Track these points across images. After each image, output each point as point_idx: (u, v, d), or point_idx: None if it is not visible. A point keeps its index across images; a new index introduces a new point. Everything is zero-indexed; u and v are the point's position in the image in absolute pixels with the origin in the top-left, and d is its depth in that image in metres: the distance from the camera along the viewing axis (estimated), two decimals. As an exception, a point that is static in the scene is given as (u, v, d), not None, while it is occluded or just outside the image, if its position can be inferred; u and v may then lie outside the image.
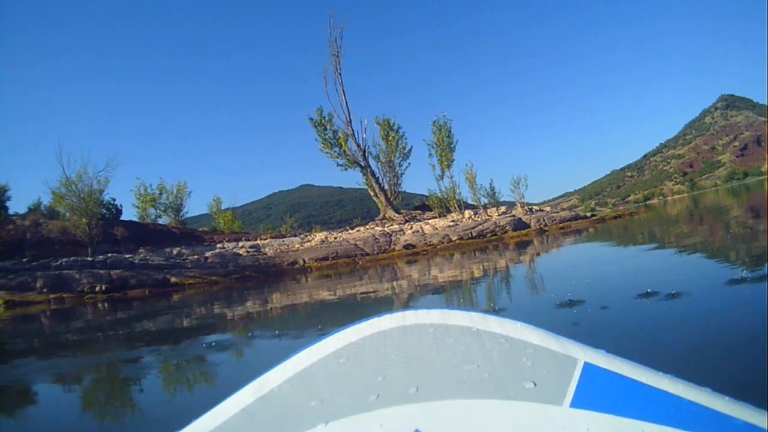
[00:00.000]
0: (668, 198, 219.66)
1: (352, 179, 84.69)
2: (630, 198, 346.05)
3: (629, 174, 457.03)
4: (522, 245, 20.11)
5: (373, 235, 29.04)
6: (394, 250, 27.42)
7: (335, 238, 29.70)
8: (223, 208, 37.48)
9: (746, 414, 0.70)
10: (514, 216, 32.67)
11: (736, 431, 0.68)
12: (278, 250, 27.16)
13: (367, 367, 0.93)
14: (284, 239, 29.97)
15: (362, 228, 32.92)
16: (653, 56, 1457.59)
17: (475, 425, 0.78)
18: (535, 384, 0.82)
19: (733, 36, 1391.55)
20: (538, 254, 14.89)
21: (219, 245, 28.10)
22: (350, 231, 31.98)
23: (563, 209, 40.21)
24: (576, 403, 0.77)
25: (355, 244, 27.52)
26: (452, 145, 38.23)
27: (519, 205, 36.40)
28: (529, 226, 31.31)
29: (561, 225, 31.37)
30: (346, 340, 0.99)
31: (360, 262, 24.66)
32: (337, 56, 38.66)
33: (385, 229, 31.16)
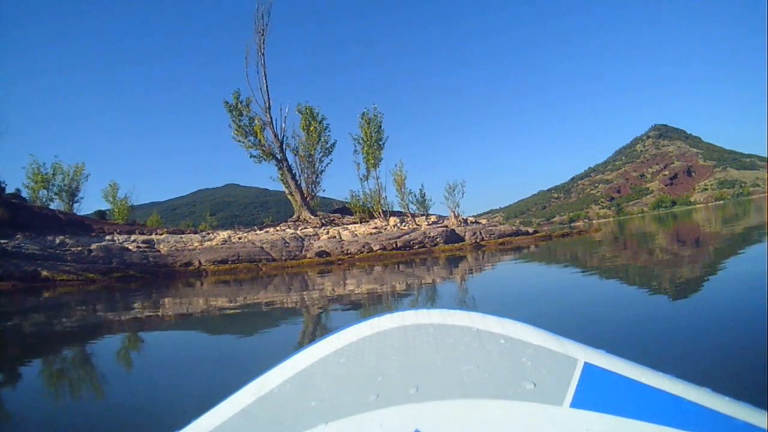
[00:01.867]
0: (594, 221, 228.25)
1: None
2: (555, 219, 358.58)
3: (556, 195, 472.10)
4: (454, 261, 18.73)
5: (284, 239, 27.20)
6: (305, 257, 25.84)
7: (239, 238, 27.67)
8: (143, 201, 34.12)
9: (746, 414, 0.73)
10: (446, 227, 30.93)
11: (736, 431, 0.72)
12: (173, 248, 25.10)
13: (367, 367, 0.96)
14: (182, 236, 27.73)
15: (272, 229, 30.42)
16: (587, 83, 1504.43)
17: (475, 425, 0.82)
18: (535, 384, 0.86)
19: (670, 67, 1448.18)
20: (472, 272, 13.72)
21: (108, 237, 25.98)
22: (258, 232, 29.65)
23: (501, 224, 37.83)
24: (576, 403, 0.81)
25: (261, 247, 25.81)
26: (381, 142, 36.44)
27: (453, 214, 34.55)
28: (463, 240, 29.67)
29: (501, 240, 29.68)
30: (346, 340, 1.00)
31: (264, 269, 23.20)
32: (263, 34, 36.29)
33: (298, 232, 29.25)
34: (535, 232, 35.41)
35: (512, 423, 0.80)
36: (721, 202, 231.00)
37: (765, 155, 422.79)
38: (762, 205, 49.59)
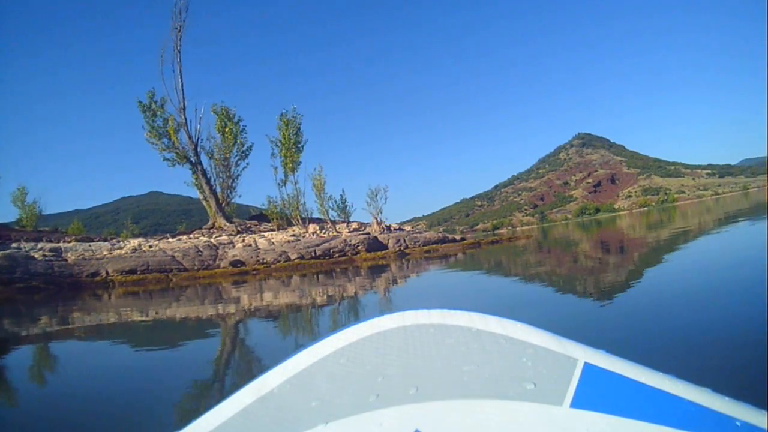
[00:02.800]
0: (517, 228, 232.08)
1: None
2: (479, 226, 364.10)
3: (479, 203, 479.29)
4: (377, 270, 18.25)
5: (197, 247, 26.23)
6: (218, 266, 25.01)
7: (150, 246, 26.42)
8: (67, 208, 32.62)
9: (746, 414, 0.75)
10: (368, 234, 30.30)
11: (736, 431, 0.73)
12: (80, 257, 23.70)
13: (367, 368, 0.97)
14: (91, 244, 26.28)
15: (185, 237, 29.09)
16: (509, 92, 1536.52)
17: (475, 425, 0.84)
18: (535, 384, 0.87)
19: (593, 76, 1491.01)
20: (396, 282, 13.08)
21: (14, 244, 24.27)
22: (170, 240, 28.42)
23: (426, 230, 37.39)
24: (576, 404, 0.83)
25: (173, 256, 24.84)
26: (300, 145, 35.80)
27: (375, 221, 34.04)
28: (386, 247, 29.00)
29: (426, 248, 29.03)
30: (346, 340, 1.02)
31: (174, 280, 22.35)
32: (180, 31, 34.92)
33: (212, 240, 28.20)
34: (463, 239, 35.04)
35: (512, 423, 0.81)
36: (646, 208, 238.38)
37: (689, 163, 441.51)
38: (687, 211, 50.78)
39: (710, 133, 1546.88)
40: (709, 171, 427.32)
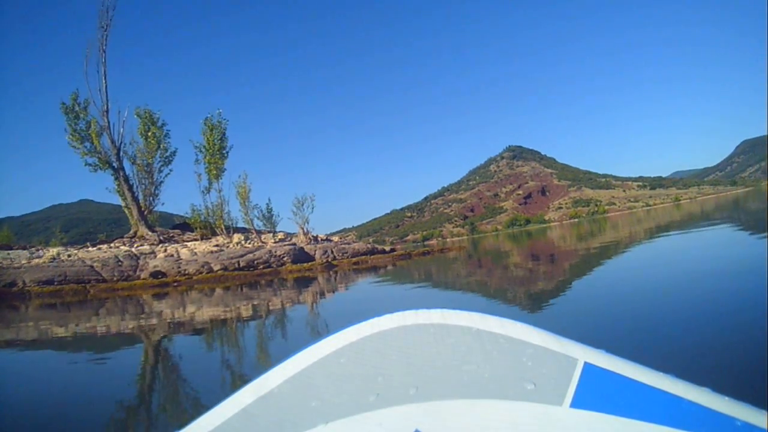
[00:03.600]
0: (448, 239, 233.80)
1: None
2: (409, 237, 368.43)
3: (409, 214, 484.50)
4: (304, 283, 17.66)
5: (117, 256, 25.36)
6: (139, 277, 24.27)
7: (69, 255, 25.59)
8: None
9: (746, 414, 0.76)
10: (294, 245, 29.66)
11: (736, 431, 0.74)
12: None
13: (367, 367, 0.98)
14: (9, 252, 25.51)
15: (105, 246, 28.38)
16: (438, 105, 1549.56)
17: (475, 425, 0.85)
18: (535, 384, 0.89)
19: (524, 90, 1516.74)
20: (323, 295, 12.66)
21: None
22: (90, 249, 27.54)
23: (354, 241, 37.23)
24: (576, 403, 0.84)
25: (92, 266, 24.03)
26: (225, 151, 34.88)
27: (302, 231, 33.42)
28: (313, 259, 28.45)
29: (355, 259, 28.53)
30: (346, 340, 1.02)
31: (92, 291, 21.63)
32: (106, 30, 33.82)
33: (133, 249, 27.31)
34: (393, 250, 34.73)
35: (512, 423, 0.83)
36: (576, 220, 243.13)
37: (620, 176, 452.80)
38: (617, 222, 51.91)
39: (642, 146, 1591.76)
40: (640, 183, 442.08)
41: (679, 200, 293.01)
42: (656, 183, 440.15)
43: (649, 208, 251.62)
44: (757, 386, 2.72)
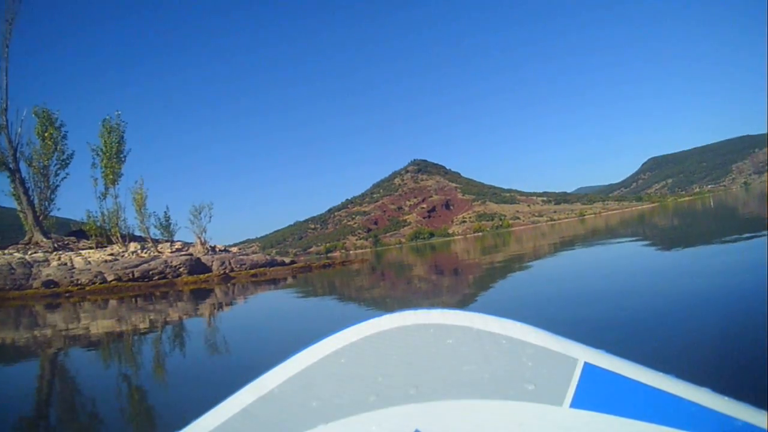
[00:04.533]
0: (351, 251, 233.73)
1: None
2: (312, 249, 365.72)
3: (312, 226, 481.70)
4: (200, 296, 17.41)
5: (10, 264, 24.20)
6: (31, 286, 23.40)
7: None
8: None
9: (746, 414, 0.77)
10: (191, 255, 29.12)
11: (736, 431, 0.75)
12: None
13: (367, 367, 0.98)
14: None
15: None
16: (343, 118, 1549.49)
17: (475, 425, 0.86)
18: (535, 384, 0.89)
19: (429, 105, 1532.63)
20: (221, 308, 12.56)
21: None
22: None
23: (255, 252, 36.88)
24: (576, 404, 0.85)
25: None
26: (122, 155, 34.02)
27: (199, 241, 32.67)
28: (210, 270, 27.90)
29: (253, 271, 27.97)
30: (346, 340, 1.02)
31: None
32: (11, 23, 32.78)
33: (27, 257, 26.02)
34: (293, 262, 34.30)
35: (512, 423, 0.84)
36: (480, 233, 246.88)
37: (525, 191, 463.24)
38: (522, 236, 53.16)
39: (547, 162, 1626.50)
40: (545, 198, 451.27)
41: (584, 215, 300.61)
42: (561, 198, 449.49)
43: (554, 222, 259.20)
44: (758, 386, 2.78)
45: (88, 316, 13.06)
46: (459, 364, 0.94)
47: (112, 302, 16.59)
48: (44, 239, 30.77)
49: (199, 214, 32.86)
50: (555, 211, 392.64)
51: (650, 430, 0.77)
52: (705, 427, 0.76)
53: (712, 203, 56.44)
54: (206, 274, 26.83)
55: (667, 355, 3.67)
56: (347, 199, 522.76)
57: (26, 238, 31.60)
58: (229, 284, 22.10)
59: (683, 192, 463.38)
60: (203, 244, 32.50)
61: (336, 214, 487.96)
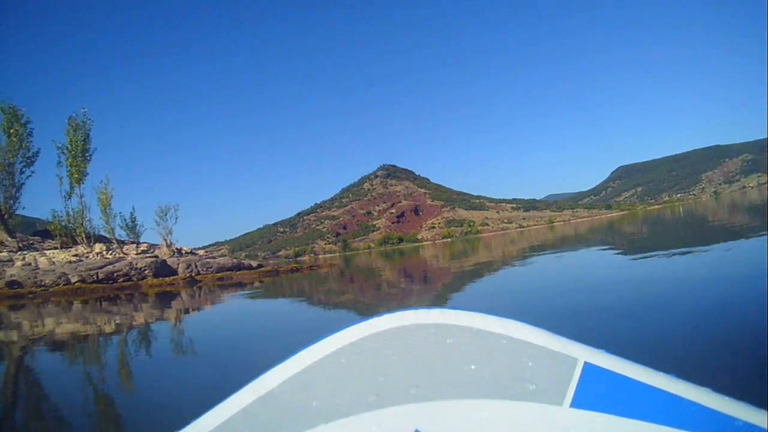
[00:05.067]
0: (320, 255, 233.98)
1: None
2: (281, 252, 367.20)
3: (281, 230, 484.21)
4: (165, 299, 17.29)
5: None
6: None
7: None
8: None
9: (746, 414, 0.77)
10: (156, 257, 28.76)
11: (736, 431, 0.75)
12: None
13: (366, 367, 0.98)
14: None
15: None
16: (314, 123, 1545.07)
17: (475, 425, 0.86)
18: (535, 384, 0.89)
19: (399, 110, 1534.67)
20: (187, 312, 12.23)
21: None
22: None
23: (223, 255, 36.66)
24: (576, 403, 0.85)
25: None
26: (88, 154, 33.69)
27: (165, 243, 32.63)
28: (176, 273, 27.66)
29: (220, 275, 27.88)
30: (346, 340, 1.02)
31: None
32: None
33: None
34: (260, 266, 33.77)
35: (512, 423, 0.84)
36: (449, 239, 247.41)
37: (494, 197, 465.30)
38: (491, 242, 53.26)
39: (516, 169, 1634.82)
40: (514, 205, 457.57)
41: (553, 222, 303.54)
42: (530, 205, 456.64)
43: (522, 229, 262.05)
44: (758, 386, 2.80)
45: (52, 318, 12.89)
46: (459, 364, 0.95)
47: (76, 305, 16.44)
48: (9, 238, 30.42)
49: (165, 215, 32.91)
50: (524, 218, 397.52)
51: (650, 430, 0.78)
52: (705, 427, 0.77)
53: (681, 212, 57.25)
54: (172, 277, 26.56)
55: (667, 355, 3.72)
56: (316, 203, 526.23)
57: None
58: (194, 288, 21.98)
59: (652, 201, 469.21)
60: (169, 246, 32.45)
61: (305, 218, 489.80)
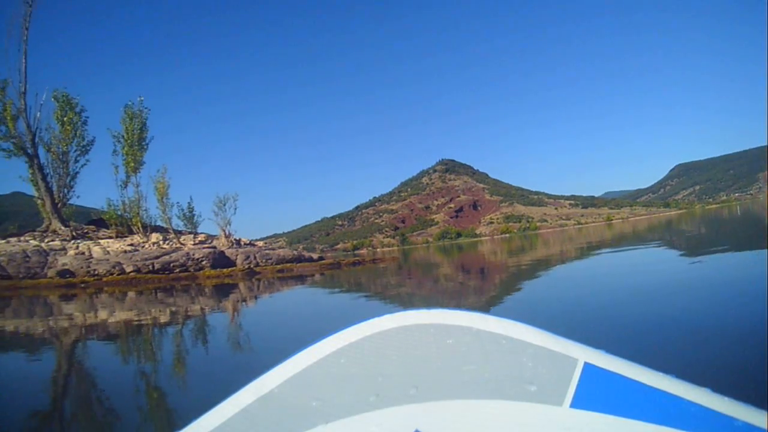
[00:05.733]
0: (378, 249, 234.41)
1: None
2: (339, 245, 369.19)
3: (340, 223, 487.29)
4: (221, 290, 16.71)
5: (25, 251, 23.56)
6: (46, 275, 22.86)
7: None
8: None
9: (746, 414, 0.77)
10: (214, 248, 28.25)
11: (736, 431, 0.75)
12: None
13: (367, 367, 0.99)
14: None
15: (14, 239, 26.58)
16: (372, 116, 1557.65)
17: (475, 425, 0.86)
18: (535, 384, 0.89)
19: (459, 104, 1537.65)
20: (239, 306, 11.36)
21: None
22: None
23: (282, 247, 35.86)
24: (576, 404, 0.85)
25: None
26: (145, 142, 33.24)
27: (223, 233, 32.12)
28: (234, 264, 27.18)
29: (279, 266, 27.12)
30: (346, 340, 1.02)
31: None
32: (30, 5, 32.04)
33: (43, 244, 25.63)
34: (321, 258, 34.03)
35: (512, 423, 0.84)
36: (507, 235, 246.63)
37: (552, 193, 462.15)
38: (549, 239, 52.55)
39: (575, 166, 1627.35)
40: (572, 202, 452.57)
41: (611, 219, 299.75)
42: (588, 202, 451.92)
43: (580, 226, 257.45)
44: (758, 386, 2.74)
45: (105, 308, 12.46)
46: (459, 364, 0.94)
47: (131, 294, 16.09)
48: (62, 227, 30.19)
49: (224, 205, 32.21)
50: (582, 215, 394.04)
51: (650, 430, 0.77)
52: (705, 427, 0.76)
53: (738, 211, 56.35)
54: (230, 269, 26.08)
55: (667, 355, 3.68)
56: (375, 197, 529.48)
57: (44, 225, 31.01)
58: (253, 279, 21.30)
59: (710, 199, 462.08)
60: (227, 236, 32.04)
61: (363, 211, 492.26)
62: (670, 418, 0.77)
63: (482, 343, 0.95)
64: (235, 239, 32.45)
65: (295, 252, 32.20)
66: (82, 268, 23.32)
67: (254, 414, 0.92)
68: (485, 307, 7.56)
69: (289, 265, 27.81)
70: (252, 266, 26.87)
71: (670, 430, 0.75)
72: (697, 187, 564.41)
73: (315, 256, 34.21)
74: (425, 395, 0.90)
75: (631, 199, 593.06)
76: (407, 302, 9.61)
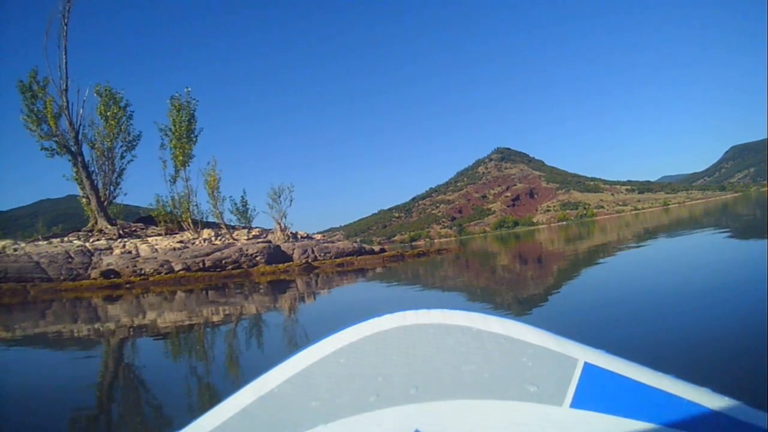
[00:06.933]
0: (435, 240, 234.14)
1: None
2: (396, 237, 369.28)
3: (396, 215, 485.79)
4: (278, 287, 15.70)
5: (68, 252, 23.62)
6: (89, 276, 22.47)
7: (16, 250, 23.88)
8: None
9: (746, 414, 0.78)
10: (269, 242, 27.37)
11: (736, 431, 0.77)
12: None
13: (367, 368, 1.00)
14: None
15: (57, 240, 26.31)
16: (427, 106, 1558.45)
17: (475, 425, 0.88)
18: (535, 384, 0.91)
19: (513, 92, 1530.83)
20: (295, 307, 10.16)
21: None
22: (40, 242, 26.14)
23: (340, 240, 34.42)
24: (576, 404, 0.87)
25: (37, 262, 22.34)
26: (193, 135, 32.35)
27: (279, 227, 31.17)
28: (291, 259, 26.18)
29: (339, 260, 26.67)
30: (346, 340, 1.04)
31: (33, 292, 19.91)
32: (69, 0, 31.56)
33: (87, 244, 25.42)
34: (382, 250, 33.28)
35: (512, 423, 0.85)
36: (564, 222, 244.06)
37: (608, 179, 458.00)
38: (606, 225, 52.56)
39: (630, 150, 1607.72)
40: (629, 187, 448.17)
41: (668, 204, 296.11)
42: (645, 187, 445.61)
43: (638, 211, 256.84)
44: (758, 386, 2.73)
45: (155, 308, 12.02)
46: (459, 364, 0.95)
47: (180, 294, 15.30)
48: (109, 226, 29.82)
49: (279, 197, 31.49)
50: (639, 200, 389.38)
51: (650, 430, 0.78)
52: (705, 427, 0.77)
53: None
54: (286, 264, 25.01)
55: (667, 355, 3.61)
56: (431, 188, 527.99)
57: (89, 225, 30.82)
58: (311, 275, 20.31)
59: (765, 181, 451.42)
60: (283, 230, 31.19)
61: (420, 202, 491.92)
62: (670, 418, 0.78)
63: (482, 343, 0.95)
64: (291, 233, 31.58)
65: (355, 245, 31.21)
66: (127, 267, 22.74)
67: (254, 414, 0.94)
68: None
69: (349, 258, 26.86)
70: (310, 260, 26.07)
71: (670, 430, 0.77)
72: (752, 170, 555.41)
73: (376, 248, 33.39)
74: (425, 395, 0.91)
75: (687, 183, 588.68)
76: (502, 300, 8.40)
